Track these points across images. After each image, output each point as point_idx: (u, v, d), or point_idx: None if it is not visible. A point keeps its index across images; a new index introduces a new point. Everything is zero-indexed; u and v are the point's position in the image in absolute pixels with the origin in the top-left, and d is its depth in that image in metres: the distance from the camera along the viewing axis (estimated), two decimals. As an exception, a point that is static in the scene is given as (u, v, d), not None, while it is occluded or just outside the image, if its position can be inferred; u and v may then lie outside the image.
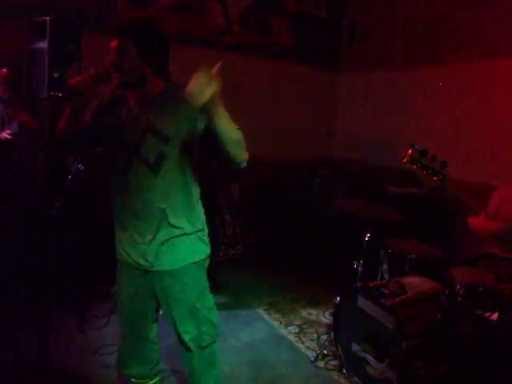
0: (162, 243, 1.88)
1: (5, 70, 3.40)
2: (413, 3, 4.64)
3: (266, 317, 3.57)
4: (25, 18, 2.82)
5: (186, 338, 2.00)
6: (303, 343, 3.20)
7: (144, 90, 1.81)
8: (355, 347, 2.64)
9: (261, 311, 3.66)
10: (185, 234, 1.94)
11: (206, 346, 2.05)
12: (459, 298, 2.59)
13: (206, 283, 2.22)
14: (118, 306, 2.11)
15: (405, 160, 1.89)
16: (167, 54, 1.89)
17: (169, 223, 1.86)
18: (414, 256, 2.96)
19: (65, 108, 1.81)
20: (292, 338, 3.27)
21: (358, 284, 3.00)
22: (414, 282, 2.71)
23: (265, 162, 5.18)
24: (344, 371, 2.78)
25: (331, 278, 4.26)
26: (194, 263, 2.02)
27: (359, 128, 5.35)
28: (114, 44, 1.76)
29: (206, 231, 2.17)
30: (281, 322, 3.49)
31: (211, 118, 1.63)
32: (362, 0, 5.34)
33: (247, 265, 4.71)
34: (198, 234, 2.06)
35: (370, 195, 3.65)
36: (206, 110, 1.57)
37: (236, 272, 4.49)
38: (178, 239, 1.91)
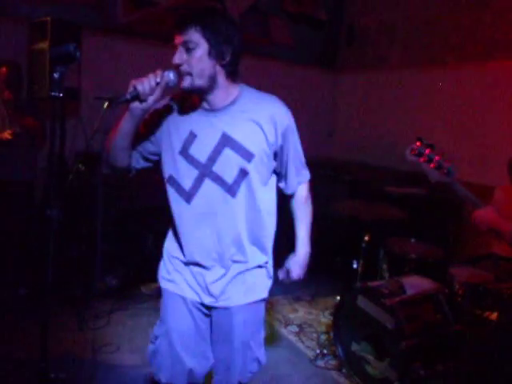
0: (234, 277, 1.69)
1: (4, 68, 3.38)
2: (412, 4, 4.64)
3: (266, 316, 3.56)
4: (25, 17, 2.83)
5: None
6: (303, 342, 3.20)
7: (216, 96, 1.53)
8: (355, 347, 2.65)
9: (261, 311, 3.65)
10: (258, 267, 1.77)
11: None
12: (459, 298, 2.60)
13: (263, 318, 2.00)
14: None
15: (412, 152, 1.89)
16: (240, 51, 1.59)
17: (242, 255, 1.66)
18: (413, 256, 2.97)
19: (118, 117, 1.51)
20: (292, 337, 3.27)
21: (358, 284, 3.00)
22: (414, 282, 2.71)
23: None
24: (344, 371, 2.78)
25: (331, 278, 4.26)
26: (262, 300, 1.88)
27: (359, 128, 5.36)
28: (179, 40, 1.46)
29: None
30: (281, 322, 3.49)
31: None
32: (362, 0, 5.35)
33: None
34: (268, 266, 1.85)
35: (369, 195, 3.65)
36: None
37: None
38: (248, 273, 1.73)
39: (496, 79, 3.84)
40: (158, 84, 1.44)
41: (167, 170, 1.59)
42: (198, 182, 1.53)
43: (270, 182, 1.68)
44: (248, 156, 1.53)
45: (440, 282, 2.71)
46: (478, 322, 2.51)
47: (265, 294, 1.87)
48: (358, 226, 3.35)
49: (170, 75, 1.46)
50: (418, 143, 1.91)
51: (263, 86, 5.63)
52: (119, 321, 3.25)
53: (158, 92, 1.44)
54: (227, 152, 1.51)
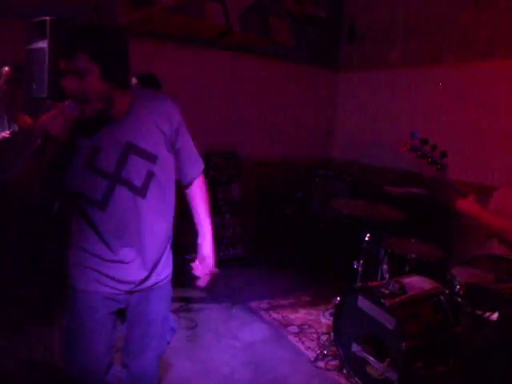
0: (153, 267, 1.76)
1: (7, 68, 3.39)
2: (412, 3, 4.64)
3: (266, 317, 3.57)
4: (25, 17, 2.82)
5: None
6: (303, 343, 3.20)
7: (113, 109, 1.53)
8: (355, 347, 2.64)
9: (261, 311, 3.66)
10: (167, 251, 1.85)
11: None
12: (459, 298, 2.60)
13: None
14: None
15: (405, 148, 1.89)
16: (128, 59, 1.57)
17: (159, 248, 1.76)
18: (413, 256, 2.96)
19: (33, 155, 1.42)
20: (292, 338, 3.27)
21: (358, 284, 3.00)
22: (414, 282, 2.71)
23: (265, 162, 5.19)
24: (344, 371, 2.78)
25: (331, 278, 4.27)
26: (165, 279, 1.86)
27: (358, 128, 5.35)
28: (67, 66, 1.40)
29: None
30: (281, 322, 3.49)
31: None
32: (362, 0, 5.34)
33: (247, 265, 4.72)
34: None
35: (369, 195, 3.65)
36: None
37: (236, 272, 4.49)
38: (164, 257, 1.82)
39: (496, 79, 3.84)
40: (64, 119, 1.39)
41: (73, 185, 1.60)
42: (110, 191, 1.57)
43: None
44: (152, 158, 1.61)
45: (440, 283, 2.71)
46: (479, 322, 2.51)
47: (170, 270, 1.90)
48: (358, 226, 3.35)
49: (72, 106, 1.41)
50: (411, 138, 1.90)
51: (264, 85, 5.65)
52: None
53: (67, 125, 1.41)
54: (133, 158, 1.57)
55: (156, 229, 1.71)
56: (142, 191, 1.61)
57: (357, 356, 2.64)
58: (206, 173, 5.28)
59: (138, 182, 1.59)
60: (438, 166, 1.83)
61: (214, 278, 1.92)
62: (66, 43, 1.42)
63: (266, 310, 3.69)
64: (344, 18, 5.56)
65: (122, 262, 1.66)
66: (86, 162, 1.54)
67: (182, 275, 4.33)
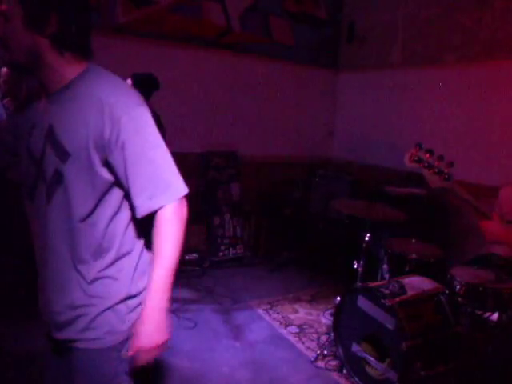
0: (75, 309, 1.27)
1: (5, 68, 3.38)
2: (412, 3, 4.64)
3: (266, 317, 3.57)
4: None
5: None
6: (303, 343, 3.20)
7: (46, 77, 1.20)
8: (355, 347, 2.64)
9: (261, 311, 3.65)
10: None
11: None
12: (459, 298, 2.60)
13: None
14: None
15: (410, 158, 1.89)
16: (77, 20, 1.18)
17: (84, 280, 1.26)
18: (414, 256, 2.96)
19: None
20: (292, 338, 3.27)
21: (358, 284, 2.99)
22: (414, 282, 2.71)
23: (265, 162, 5.19)
24: (344, 371, 2.78)
25: (331, 278, 4.27)
26: (110, 348, 1.29)
27: (359, 128, 5.35)
28: None
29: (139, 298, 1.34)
30: (281, 322, 3.48)
31: None
32: (362, 0, 5.34)
33: (247, 265, 4.72)
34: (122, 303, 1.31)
35: (369, 195, 3.65)
36: None
37: (236, 272, 4.49)
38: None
39: (496, 79, 3.84)
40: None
41: (17, 170, 1.35)
42: (35, 183, 1.25)
43: (109, 199, 1.24)
44: (63, 155, 1.18)
45: (440, 283, 2.71)
46: (479, 322, 2.51)
47: (112, 341, 1.29)
48: (358, 226, 3.35)
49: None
50: (416, 149, 1.90)
51: (264, 85, 5.64)
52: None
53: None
54: (48, 148, 1.20)
55: (61, 254, 1.25)
56: (48, 194, 1.22)
57: (357, 356, 2.64)
58: (206, 173, 5.27)
59: (47, 178, 1.22)
60: (446, 176, 1.83)
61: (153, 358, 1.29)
62: None
63: (266, 310, 3.69)
64: (344, 17, 5.56)
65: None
66: (26, 139, 1.26)
67: (182, 275, 4.35)
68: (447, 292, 2.60)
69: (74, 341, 1.28)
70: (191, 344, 3.08)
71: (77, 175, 1.18)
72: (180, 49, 4.45)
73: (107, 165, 1.20)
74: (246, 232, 4.90)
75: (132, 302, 1.31)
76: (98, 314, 1.27)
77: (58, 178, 1.19)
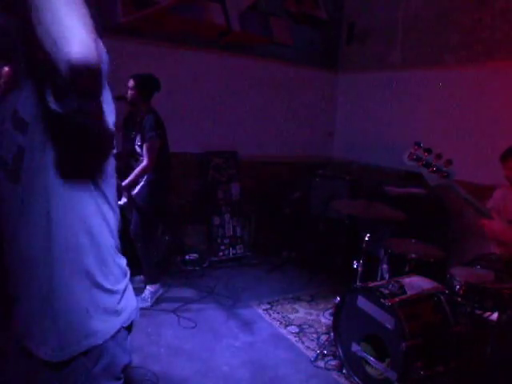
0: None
1: (7, 68, 3.37)
2: (412, 3, 4.64)
3: (266, 317, 3.57)
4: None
5: None
6: (303, 343, 3.20)
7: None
8: (355, 347, 2.65)
9: (261, 311, 3.66)
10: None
11: None
12: (459, 298, 2.60)
13: None
14: None
15: (409, 157, 1.91)
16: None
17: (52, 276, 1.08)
18: (413, 256, 2.96)
19: None
20: (292, 337, 3.27)
21: (358, 284, 3.00)
22: (414, 282, 2.71)
23: (265, 161, 5.19)
24: (344, 371, 2.78)
25: (331, 278, 4.27)
26: (83, 354, 1.10)
27: (358, 128, 5.36)
28: None
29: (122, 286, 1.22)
30: (281, 322, 3.49)
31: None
32: (362, 0, 5.35)
33: (247, 265, 4.72)
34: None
35: (369, 195, 3.65)
36: None
37: (236, 272, 4.50)
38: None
39: (496, 79, 3.84)
40: None
41: None
42: None
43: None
44: (24, 126, 1.06)
45: (440, 282, 2.71)
46: (478, 322, 2.51)
47: (87, 344, 1.11)
48: (358, 226, 3.35)
49: None
50: (415, 148, 1.92)
51: (263, 85, 5.63)
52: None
53: None
54: (6, 127, 1.10)
55: (30, 241, 1.08)
56: (14, 174, 1.08)
57: (356, 356, 2.64)
58: (206, 173, 5.27)
59: (10, 160, 1.09)
60: (444, 174, 1.85)
61: None
62: None
63: (266, 309, 3.69)
64: (344, 18, 5.57)
65: None
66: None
67: (182, 275, 4.36)
68: (447, 292, 2.61)
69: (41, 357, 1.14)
70: (191, 344, 3.08)
71: (36, 146, 1.06)
72: (180, 49, 4.46)
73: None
74: (246, 232, 4.91)
75: None
76: None
77: (22, 152, 1.07)
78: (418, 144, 1.92)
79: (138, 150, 3.52)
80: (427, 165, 1.88)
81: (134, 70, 3.48)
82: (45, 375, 1.12)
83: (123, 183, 3.38)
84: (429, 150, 1.89)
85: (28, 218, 1.08)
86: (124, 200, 3.49)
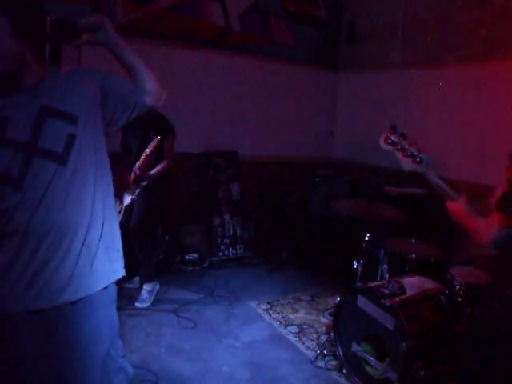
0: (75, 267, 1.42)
1: None
2: (412, 3, 4.64)
3: (266, 317, 3.57)
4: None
5: None
6: (303, 343, 3.20)
7: (26, 76, 1.39)
8: (355, 347, 2.64)
9: (261, 311, 3.66)
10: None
11: None
12: (459, 298, 2.60)
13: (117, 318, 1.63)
14: None
15: (385, 141, 1.93)
16: (45, 31, 1.54)
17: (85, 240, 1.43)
18: (413, 256, 2.96)
19: None
20: (292, 337, 3.27)
21: (358, 284, 3.00)
22: (414, 282, 2.71)
23: (265, 162, 5.19)
24: (344, 371, 2.78)
25: (331, 278, 4.27)
26: (108, 287, 1.52)
27: (359, 128, 5.35)
28: None
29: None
30: (281, 322, 3.48)
31: (116, 50, 1.63)
32: (361, 0, 5.34)
33: (247, 264, 4.72)
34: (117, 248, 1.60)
35: (369, 195, 3.65)
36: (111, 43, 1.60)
37: (236, 272, 4.49)
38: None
39: (496, 79, 3.84)
40: None
41: None
42: (26, 166, 1.35)
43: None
44: (73, 120, 1.41)
45: (440, 282, 2.71)
46: (478, 322, 2.51)
47: (110, 279, 1.54)
48: (358, 226, 3.35)
49: None
50: (391, 132, 1.95)
51: (263, 85, 5.63)
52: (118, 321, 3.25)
53: None
54: (50, 122, 1.38)
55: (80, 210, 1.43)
56: (62, 158, 1.38)
57: (357, 356, 2.64)
58: (206, 172, 5.26)
59: (58, 148, 1.38)
60: (417, 159, 1.87)
61: None
62: None
63: (266, 309, 3.69)
64: (344, 17, 5.57)
65: None
66: None
67: (182, 275, 4.36)
68: (447, 292, 2.61)
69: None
70: (191, 344, 3.08)
71: (86, 134, 1.44)
72: (180, 49, 4.46)
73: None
74: (246, 232, 4.91)
75: None
76: None
77: (72, 140, 1.40)
78: (393, 128, 1.94)
79: (148, 149, 3.43)
80: (402, 149, 1.91)
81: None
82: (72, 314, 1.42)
83: (143, 182, 3.44)
84: (403, 135, 1.92)
85: (74, 195, 1.40)
86: (129, 200, 3.49)
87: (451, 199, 1.99)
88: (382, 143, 1.94)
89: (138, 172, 3.34)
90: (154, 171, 3.48)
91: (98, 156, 1.49)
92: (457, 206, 2.01)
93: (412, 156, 1.87)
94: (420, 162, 1.87)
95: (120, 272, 1.58)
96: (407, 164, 1.89)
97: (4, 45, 1.30)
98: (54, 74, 1.47)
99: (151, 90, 1.66)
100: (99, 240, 1.47)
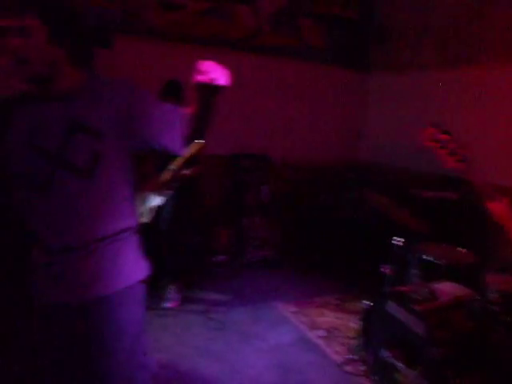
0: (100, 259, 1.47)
1: None
2: (444, 2, 4.53)
3: (294, 320, 3.55)
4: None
5: None
6: (331, 347, 3.17)
7: (59, 83, 1.40)
8: (384, 353, 2.60)
9: (288, 314, 3.64)
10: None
11: None
12: (493, 306, 2.52)
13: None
14: None
15: (427, 138, 1.90)
16: (83, 35, 1.50)
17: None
18: (444, 261, 2.89)
19: None
20: (320, 341, 3.25)
21: (388, 289, 2.95)
22: (445, 288, 2.65)
23: (294, 164, 5.18)
24: (373, 377, 2.74)
25: (360, 282, 4.21)
26: (133, 286, 1.56)
27: (389, 130, 5.27)
28: (15, 23, 1.28)
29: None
30: (308, 326, 3.46)
31: None
32: (392, 0, 5.26)
33: (275, 267, 4.71)
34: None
35: (399, 199, 3.58)
36: None
37: (264, 274, 4.49)
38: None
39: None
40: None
41: (10, 165, 1.43)
42: (51, 176, 1.38)
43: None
44: (99, 136, 1.41)
45: (472, 289, 2.64)
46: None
47: (137, 277, 1.57)
48: (387, 230, 3.30)
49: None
50: (433, 129, 1.91)
51: (294, 87, 5.62)
52: (147, 320, 3.29)
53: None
54: (77, 137, 1.39)
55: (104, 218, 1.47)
56: (87, 172, 1.40)
57: (386, 362, 2.59)
58: (236, 175, 5.26)
59: (82, 162, 1.40)
60: (460, 158, 1.83)
61: None
62: (20, 3, 1.29)
63: (294, 312, 3.67)
64: (375, 18, 5.49)
65: None
66: (26, 138, 1.39)
67: (211, 277, 4.38)
68: (479, 299, 2.53)
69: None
70: (219, 345, 3.09)
71: (112, 150, 1.44)
72: (209, 52, 4.47)
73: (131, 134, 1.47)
74: (275, 234, 4.90)
75: None
76: None
77: (97, 156, 1.40)
78: (436, 125, 1.91)
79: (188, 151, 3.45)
80: (444, 147, 1.87)
81: (163, 73, 3.53)
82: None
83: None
84: (447, 133, 1.88)
85: (98, 207, 1.44)
86: (158, 200, 3.52)
87: (494, 201, 1.94)
88: (423, 140, 1.91)
89: (175, 173, 3.32)
90: (188, 172, 3.48)
91: (122, 170, 1.51)
92: (500, 208, 1.95)
93: (454, 154, 1.84)
94: (463, 161, 1.83)
95: (145, 271, 1.61)
96: (449, 162, 1.86)
97: (37, 50, 1.31)
98: (92, 82, 1.45)
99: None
100: (124, 240, 1.51)
